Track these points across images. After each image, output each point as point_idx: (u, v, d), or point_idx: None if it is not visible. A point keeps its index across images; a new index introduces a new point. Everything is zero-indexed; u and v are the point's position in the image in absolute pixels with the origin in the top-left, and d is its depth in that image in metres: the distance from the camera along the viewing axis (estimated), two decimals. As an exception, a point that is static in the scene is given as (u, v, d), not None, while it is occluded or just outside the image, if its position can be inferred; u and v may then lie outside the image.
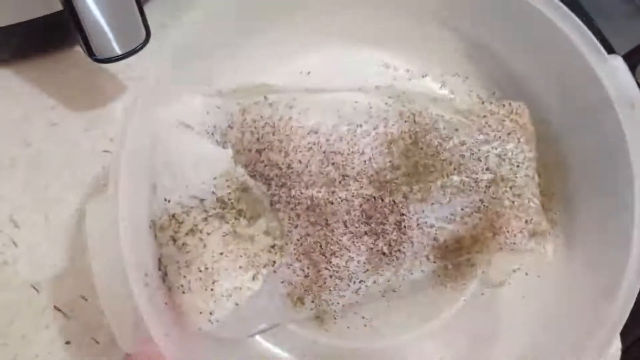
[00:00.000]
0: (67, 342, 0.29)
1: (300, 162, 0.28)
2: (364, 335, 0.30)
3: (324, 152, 0.29)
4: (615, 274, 0.26)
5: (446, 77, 0.32)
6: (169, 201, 0.26)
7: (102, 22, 0.28)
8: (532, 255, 0.29)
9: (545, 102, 0.30)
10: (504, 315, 0.30)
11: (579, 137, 0.29)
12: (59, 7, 0.28)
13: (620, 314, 0.25)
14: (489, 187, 0.29)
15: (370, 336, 0.30)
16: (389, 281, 0.29)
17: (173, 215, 0.26)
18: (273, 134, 0.28)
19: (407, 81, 0.32)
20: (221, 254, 0.25)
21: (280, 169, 0.28)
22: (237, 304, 0.25)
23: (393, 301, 0.30)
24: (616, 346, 0.29)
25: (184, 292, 0.25)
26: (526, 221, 0.28)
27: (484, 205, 0.28)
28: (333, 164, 0.29)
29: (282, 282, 0.28)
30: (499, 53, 0.30)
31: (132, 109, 0.25)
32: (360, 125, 0.29)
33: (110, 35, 0.29)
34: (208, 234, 0.26)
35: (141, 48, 0.30)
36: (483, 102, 0.30)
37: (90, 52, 0.29)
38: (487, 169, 0.29)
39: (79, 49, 0.29)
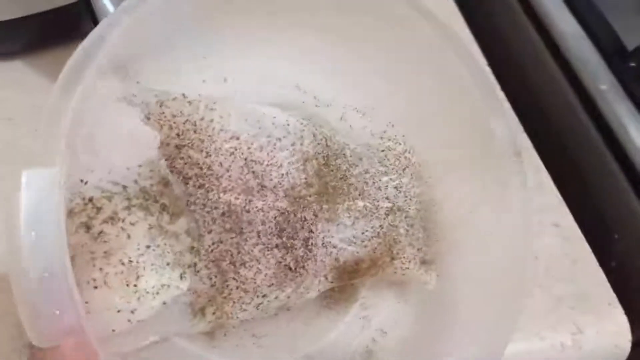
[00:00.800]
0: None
1: (221, 165, 0.27)
2: (253, 356, 0.29)
3: (245, 159, 0.28)
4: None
5: (347, 110, 0.34)
6: (85, 183, 0.23)
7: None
8: (417, 282, 0.31)
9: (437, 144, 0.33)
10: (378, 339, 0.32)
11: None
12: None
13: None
14: (388, 214, 0.31)
15: (259, 357, 0.29)
16: (288, 297, 0.29)
17: (90, 199, 0.23)
18: (194, 132, 0.27)
19: (314, 107, 0.33)
20: (148, 247, 0.23)
21: (201, 168, 0.27)
22: (164, 303, 0.22)
23: (283, 320, 0.30)
24: (627, 338, 0.32)
25: (95, 287, 0.22)
26: (418, 249, 0.31)
27: (382, 232, 0.30)
28: (253, 172, 0.28)
29: (188, 289, 0.26)
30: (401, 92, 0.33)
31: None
32: (280, 140, 0.29)
33: None
34: (132, 224, 0.23)
35: None
36: (381, 138, 0.33)
37: None
38: (387, 197, 0.31)
39: None
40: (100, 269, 0.22)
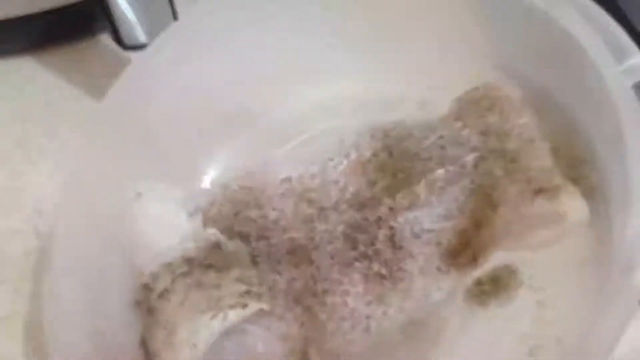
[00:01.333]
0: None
1: (274, 209, 0.27)
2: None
3: (298, 194, 0.27)
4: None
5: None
6: (142, 274, 0.26)
7: (131, 9, 0.30)
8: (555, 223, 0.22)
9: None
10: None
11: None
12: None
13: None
14: (477, 165, 0.24)
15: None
16: (401, 309, 0.24)
17: (145, 285, 0.25)
18: (249, 193, 0.28)
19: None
20: (182, 303, 0.24)
21: (257, 222, 0.27)
22: (194, 345, 0.22)
23: (418, 339, 0.24)
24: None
25: (156, 356, 0.23)
26: (527, 181, 0.23)
27: (476, 185, 0.24)
28: (307, 201, 0.27)
29: (280, 340, 0.24)
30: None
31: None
32: (332, 159, 0.28)
33: (138, 22, 0.31)
34: (174, 291, 0.24)
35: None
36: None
37: (119, 40, 0.30)
38: (472, 148, 0.25)
39: (102, 39, 0.31)
40: (152, 337, 0.24)
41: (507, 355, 0.23)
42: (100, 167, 0.26)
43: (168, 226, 0.27)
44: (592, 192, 0.24)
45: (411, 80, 0.29)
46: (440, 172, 0.25)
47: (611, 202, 0.23)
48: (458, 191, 0.24)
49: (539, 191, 0.23)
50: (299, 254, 0.26)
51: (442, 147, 0.26)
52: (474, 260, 0.24)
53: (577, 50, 0.23)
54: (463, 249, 0.24)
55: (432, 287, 0.24)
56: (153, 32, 0.31)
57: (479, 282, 0.24)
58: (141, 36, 0.32)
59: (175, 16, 0.32)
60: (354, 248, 0.25)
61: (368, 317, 0.24)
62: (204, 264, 0.26)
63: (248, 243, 0.27)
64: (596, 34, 0.23)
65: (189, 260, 0.26)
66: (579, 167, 0.25)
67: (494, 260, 0.24)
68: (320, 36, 0.30)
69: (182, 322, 0.23)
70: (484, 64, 0.28)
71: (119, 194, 0.26)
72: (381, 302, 0.24)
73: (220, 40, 0.29)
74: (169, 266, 0.26)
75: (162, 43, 0.29)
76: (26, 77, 0.38)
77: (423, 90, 0.28)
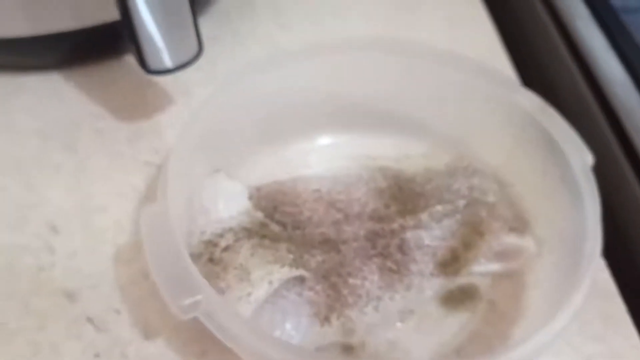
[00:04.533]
0: (97, 355, 0.29)
1: (308, 210, 0.34)
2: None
3: (327, 202, 0.35)
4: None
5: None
6: (203, 233, 0.31)
7: (157, 34, 0.31)
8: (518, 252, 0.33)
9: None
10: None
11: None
12: (111, 17, 0.31)
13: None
14: (466, 207, 0.34)
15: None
16: (404, 298, 0.32)
17: (209, 241, 0.31)
18: (284, 195, 0.35)
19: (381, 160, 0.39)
20: (252, 254, 0.30)
21: (294, 216, 0.34)
22: (270, 282, 0.28)
23: (412, 324, 0.32)
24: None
25: (224, 292, 0.29)
26: (504, 221, 0.33)
27: (466, 220, 0.34)
28: (336, 208, 0.35)
29: (308, 304, 0.31)
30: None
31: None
32: (354, 184, 0.36)
33: (163, 48, 0.33)
34: (240, 246, 0.30)
35: (194, 61, 0.32)
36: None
37: (143, 64, 0.31)
38: (462, 196, 0.35)
39: (128, 59, 0.32)
40: (223, 279, 0.29)
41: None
42: (196, 146, 0.32)
43: (231, 200, 0.33)
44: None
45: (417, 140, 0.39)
46: (439, 207, 0.35)
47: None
48: (452, 221, 0.34)
49: (513, 229, 0.33)
50: (328, 245, 0.33)
51: (440, 192, 0.35)
52: (457, 272, 0.33)
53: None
54: (451, 262, 0.33)
55: (425, 285, 0.33)
56: (178, 59, 0.34)
57: (455, 289, 0.34)
58: (167, 62, 0.34)
59: (200, 45, 0.34)
60: (373, 248, 0.33)
61: (378, 298, 0.32)
62: (260, 233, 0.32)
63: (285, 229, 0.34)
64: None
65: (246, 229, 0.32)
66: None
67: (469, 277, 0.34)
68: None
69: (256, 265, 0.29)
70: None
71: (203, 168, 0.32)
72: (389, 289, 0.32)
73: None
74: (230, 230, 0.32)
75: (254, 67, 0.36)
76: (51, 92, 0.40)
77: (425, 148, 0.39)
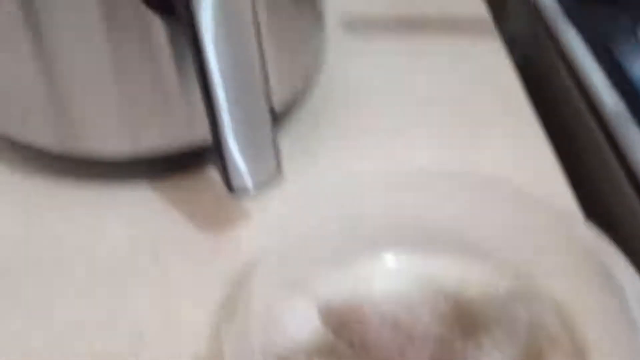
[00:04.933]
0: None
1: (374, 330, 0.36)
2: None
3: (392, 323, 0.37)
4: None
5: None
6: (278, 354, 0.34)
7: (242, 157, 0.36)
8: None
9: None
10: None
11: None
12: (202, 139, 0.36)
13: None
14: (527, 332, 0.36)
15: None
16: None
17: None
18: (352, 312, 0.37)
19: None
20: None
21: (360, 335, 0.36)
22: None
23: None
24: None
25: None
26: (564, 353, 0.34)
27: (528, 347, 0.35)
28: (400, 330, 0.36)
29: None
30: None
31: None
32: (417, 306, 0.38)
33: (247, 171, 0.37)
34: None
35: (274, 185, 0.37)
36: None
37: (227, 184, 0.36)
38: (521, 321, 0.36)
39: (210, 171, 0.36)
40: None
41: None
42: (274, 264, 0.35)
43: (304, 319, 0.35)
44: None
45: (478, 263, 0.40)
46: (499, 331, 0.36)
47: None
48: (513, 347, 0.35)
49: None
50: (393, 365, 0.35)
51: (500, 316, 0.37)
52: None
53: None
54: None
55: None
56: (260, 183, 0.38)
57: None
58: (249, 185, 0.38)
59: (280, 170, 0.38)
60: (436, 369, 0.35)
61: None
62: (330, 353, 0.34)
63: (352, 348, 0.36)
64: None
65: (317, 349, 0.34)
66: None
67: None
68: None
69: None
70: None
71: (278, 282, 0.35)
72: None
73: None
74: (301, 347, 0.34)
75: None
76: (140, 202, 0.44)
77: (485, 271, 0.40)
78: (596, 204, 0.51)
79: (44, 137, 0.44)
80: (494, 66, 0.59)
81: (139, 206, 0.45)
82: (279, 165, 0.39)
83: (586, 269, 0.37)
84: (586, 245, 0.36)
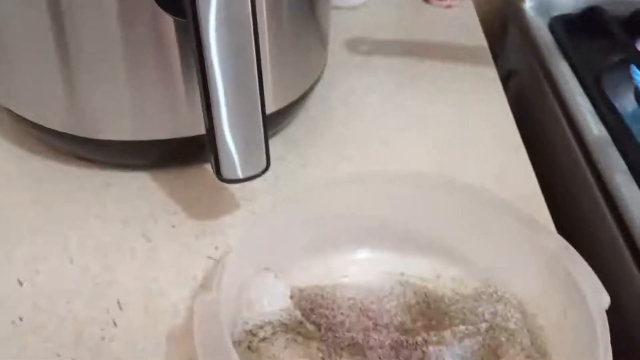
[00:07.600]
0: None
1: (342, 314, 0.38)
2: None
3: (360, 309, 0.38)
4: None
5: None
6: (246, 324, 0.35)
7: (233, 148, 0.39)
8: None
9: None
10: None
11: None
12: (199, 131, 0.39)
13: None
14: (488, 330, 0.37)
15: None
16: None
17: (250, 331, 0.35)
18: (322, 299, 0.39)
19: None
20: (285, 347, 0.33)
21: (328, 319, 0.38)
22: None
23: None
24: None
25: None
26: (522, 348, 0.36)
27: (486, 343, 0.36)
28: (367, 316, 0.38)
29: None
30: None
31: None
32: (386, 296, 0.40)
33: (237, 160, 0.40)
34: (275, 339, 0.34)
35: (260, 175, 0.40)
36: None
37: (218, 172, 0.39)
38: (485, 320, 0.38)
39: (206, 167, 0.39)
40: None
41: None
42: (252, 247, 0.38)
43: (275, 297, 0.37)
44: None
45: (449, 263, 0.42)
46: (462, 328, 0.37)
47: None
48: (473, 342, 0.37)
49: (529, 356, 0.36)
50: (356, 349, 0.36)
51: (464, 314, 0.39)
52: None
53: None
54: (468, 378, 0.36)
55: (442, 397, 0.35)
56: (247, 171, 0.41)
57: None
58: (238, 172, 0.41)
59: (268, 162, 0.41)
60: (396, 357, 0.36)
61: (398, 402, 0.35)
62: (295, 330, 0.36)
63: (319, 330, 0.37)
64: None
65: (284, 324, 0.36)
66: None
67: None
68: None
69: (287, 358, 0.33)
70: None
71: (255, 266, 0.37)
72: (408, 394, 0.35)
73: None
74: (269, 323, 0.36)
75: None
76: (138, 188, 0.47)
77: (456, 271, 0.42)
78: (573, 220, 0.53)
79: (59, 121, 0.47)
80: (487, 92, 0.62)
81: (137, 191, 0.48)
82: (267, 157, 0.42)
83: (550, 272, 0.38)
84: (552, 251, 0.38)
